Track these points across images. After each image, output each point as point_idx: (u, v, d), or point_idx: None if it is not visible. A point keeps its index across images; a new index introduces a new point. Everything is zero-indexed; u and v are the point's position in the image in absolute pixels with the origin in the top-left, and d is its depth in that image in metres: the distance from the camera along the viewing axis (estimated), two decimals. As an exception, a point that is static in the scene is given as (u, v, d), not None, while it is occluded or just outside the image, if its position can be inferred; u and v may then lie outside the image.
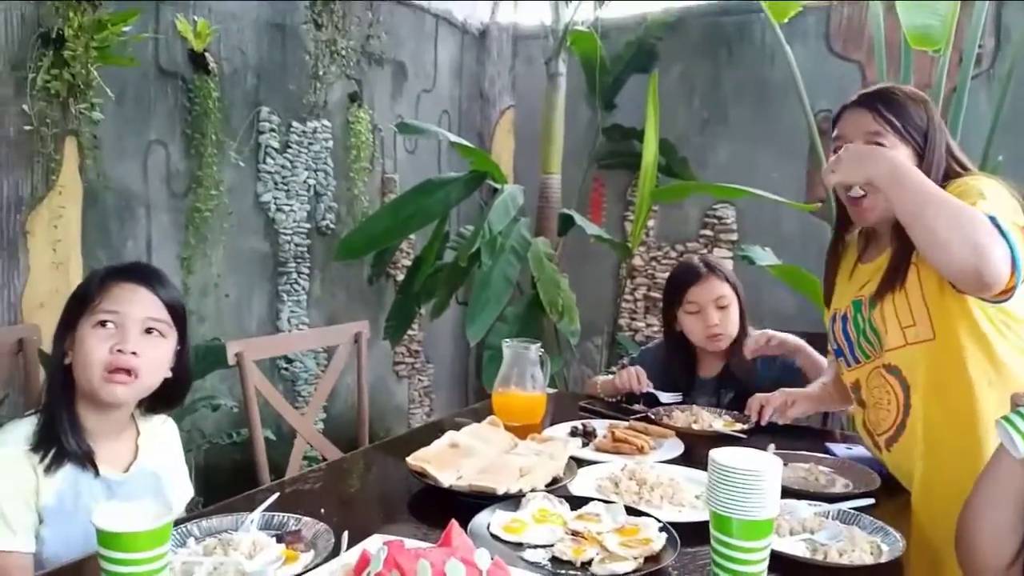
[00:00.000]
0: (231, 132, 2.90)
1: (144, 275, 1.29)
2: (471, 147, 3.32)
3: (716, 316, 1.99)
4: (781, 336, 1.93)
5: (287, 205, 3.16)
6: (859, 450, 1.57)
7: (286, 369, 3.24)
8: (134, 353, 1.23)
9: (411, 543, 0.97)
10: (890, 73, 3.11)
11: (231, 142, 2.89)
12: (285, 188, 3.15)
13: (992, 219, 1.16)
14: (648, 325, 4.03)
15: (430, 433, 1.56)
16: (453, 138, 3.31)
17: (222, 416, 2.84)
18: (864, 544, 1.10)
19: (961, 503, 1.08)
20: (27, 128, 2.24)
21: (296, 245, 3.23)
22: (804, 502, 1.24)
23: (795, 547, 1.10)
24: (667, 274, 3.82)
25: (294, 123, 3.17)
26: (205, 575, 0.99)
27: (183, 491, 1.43)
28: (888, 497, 1.34)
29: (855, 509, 1.22)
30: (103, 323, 1.23)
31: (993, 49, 3.26)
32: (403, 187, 3.66)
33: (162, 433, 1.41)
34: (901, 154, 1.34)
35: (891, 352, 1.38)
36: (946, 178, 1.35)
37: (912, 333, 1.33)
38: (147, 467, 1.33)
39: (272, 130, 3.07)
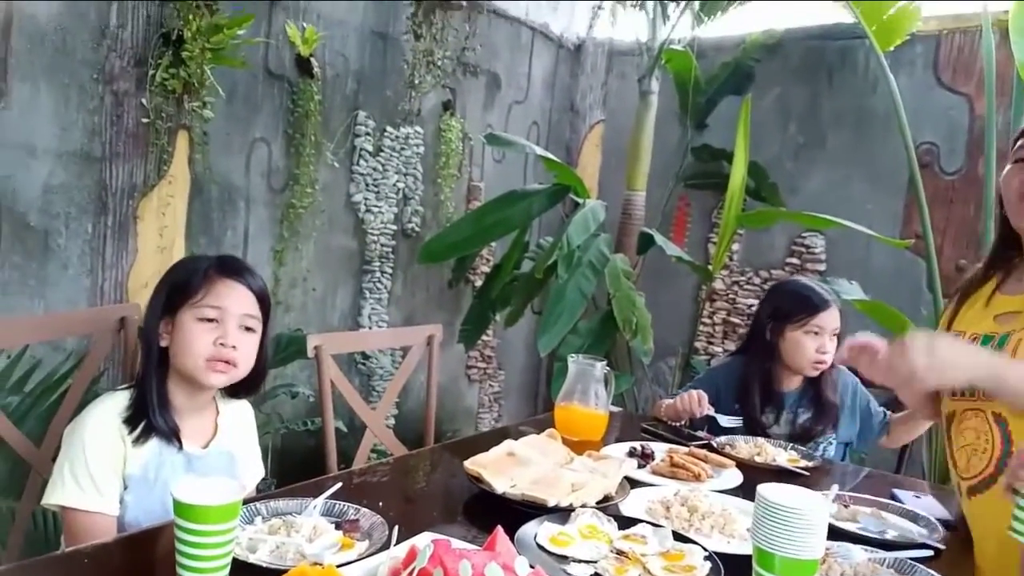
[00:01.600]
0: (329, 134, 3.04)
1: (241, 272, 1.37)
2: (556, 161, 3.36)
3: (829, 345, 2.01)
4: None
5: (376, 206, 3.28)
6: (927, 500, 1.51)
7: (363, 364, 3.36)
8: (234, 347, 1.32)
9: (457, 544, 1.01)
10: (1000, 109, 2.97)
11: (328, 143, 3.03)
12: (375, 190, 3.27)
13: None
14: (725, 350, 3.93)
15: (495, 438, 1.57)
16: (539, 151, 3.35)
17: (300, 403, 2.97)
18: (916, 596, 1.07)
19: None
20: (144, 121, 2.42)
21: (382, 245, 3.35)
22: (860, 547, 1.22)
23: (844, 591, 1.08)
24: (749, 300, 3.83)
25: (388, 128, 3.28)
26: (267, 552, 1.06)
27: (255, 471, 1.52)
28: (950, 550, 1.29)
29: (912, 559, 1.19)
30: (208, 319, 1.32)
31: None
32: (489, 194, 3.72)
33: (240, 416, 1.49)
34: None
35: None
36: None
37: None
38: (224, 446, 1.42)
39: (367, 134, 3.19)
